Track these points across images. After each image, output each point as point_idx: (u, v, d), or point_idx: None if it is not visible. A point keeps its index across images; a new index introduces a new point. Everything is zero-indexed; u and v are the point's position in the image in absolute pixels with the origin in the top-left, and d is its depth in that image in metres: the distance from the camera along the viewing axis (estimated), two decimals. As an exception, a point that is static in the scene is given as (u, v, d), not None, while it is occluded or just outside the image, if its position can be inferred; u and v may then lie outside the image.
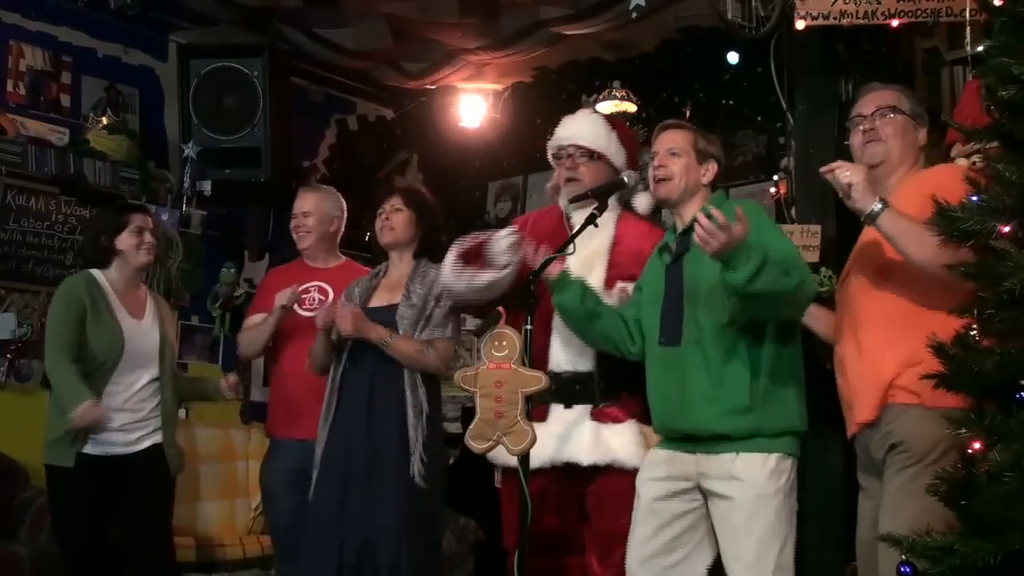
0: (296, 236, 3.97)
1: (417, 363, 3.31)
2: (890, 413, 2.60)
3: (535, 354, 2.95)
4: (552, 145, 3.41)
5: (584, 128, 3.34)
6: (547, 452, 3.05)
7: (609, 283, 3.17)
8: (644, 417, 3.08)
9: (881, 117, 2.79)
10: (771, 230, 2.82)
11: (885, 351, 2.62)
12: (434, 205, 3.60)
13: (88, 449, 3.51)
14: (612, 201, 3.25)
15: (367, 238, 3.68)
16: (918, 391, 2.47)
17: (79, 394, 3.41)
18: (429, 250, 3.50)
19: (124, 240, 3.65)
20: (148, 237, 3.67)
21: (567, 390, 3.13)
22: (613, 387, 3.11)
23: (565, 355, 3.15)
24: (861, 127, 2.82)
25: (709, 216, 2.51)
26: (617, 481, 3.06)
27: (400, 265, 3.51)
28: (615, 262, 3.19)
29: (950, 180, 2.50)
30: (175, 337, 3.85)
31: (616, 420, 3.11)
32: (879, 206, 2.55)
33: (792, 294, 2.64)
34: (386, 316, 3.38)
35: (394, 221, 3.48)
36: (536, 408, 3.13)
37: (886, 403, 2.59)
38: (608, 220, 3.22)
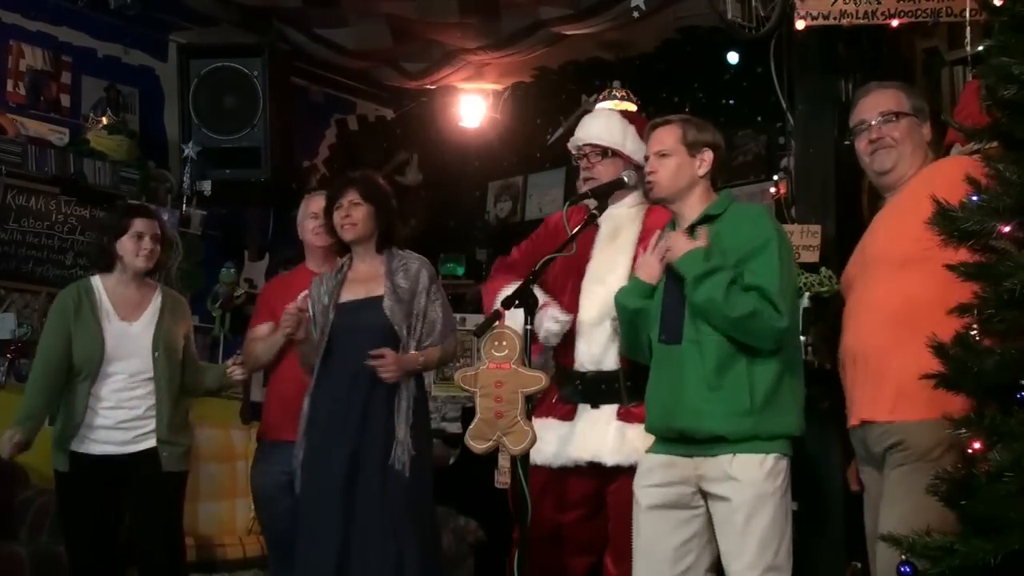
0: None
1: (443, 364, 3.39)
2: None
3: (559, 351, 3.07)
4: (572, 147, 3.41)
5: (597, 126, 3.34)
6: (572, 451, 3.07)
7: None
8: None
9: (887, 123, 2.77)
10: (768, 260, 2.73)
11: (893, 354, 2.55)
12: (388, 192, 3.60)
13: (83, 448, 3.51)
14: (638, 196, 3.27)
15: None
16: (925, 407, 2.39)
17: (19, 415, 3.51)
18: (389, 240, 3.53)
19: (124, 244, 3.62)
20: (147, 243, 3.62)
21: (593, 390, 3.14)
22: (639, 386, 3.03)
23: (589, 354, 3.15)
24: (867, 135, 2.80)
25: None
26: None
27: (366, 258, 3.51)
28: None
29: (959, 174, 2.40)
30: (187, 335, 3.77)
31: (643, 420, 3.04)
32: None
33: (749, 325, 2.67)
34: (370, 308, 3.40)
35: (355, 216, 3.46)
36: (563, 407, 3.16)
37: (894, 418, 2.54)
38: (634, 216, 3.25)
